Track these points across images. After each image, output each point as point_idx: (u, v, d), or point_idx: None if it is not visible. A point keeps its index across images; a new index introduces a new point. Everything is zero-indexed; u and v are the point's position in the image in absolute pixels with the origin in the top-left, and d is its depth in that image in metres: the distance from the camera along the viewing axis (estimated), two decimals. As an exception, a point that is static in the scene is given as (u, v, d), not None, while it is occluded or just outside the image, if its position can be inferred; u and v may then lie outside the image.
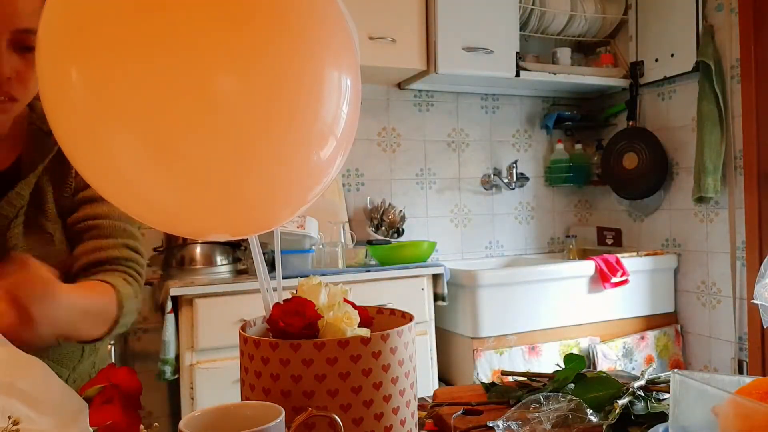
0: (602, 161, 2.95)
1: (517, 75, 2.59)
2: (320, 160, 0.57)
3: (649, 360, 2.58)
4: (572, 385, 0.89)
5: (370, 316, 0.74)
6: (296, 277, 1.79)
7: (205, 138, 0.49)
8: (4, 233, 0.84)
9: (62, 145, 0.54)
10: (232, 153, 0.51)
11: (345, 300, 0.72)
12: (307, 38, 0.53)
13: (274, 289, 0.75)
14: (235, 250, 2.18)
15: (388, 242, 2.43)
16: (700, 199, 2.49)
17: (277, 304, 0.70)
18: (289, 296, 0.73)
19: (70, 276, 0.90)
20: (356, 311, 0.70)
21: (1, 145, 0.88)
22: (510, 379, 1.00)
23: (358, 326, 0.69)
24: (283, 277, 0.79)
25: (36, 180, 0.88)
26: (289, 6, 0.53)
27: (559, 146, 3.03)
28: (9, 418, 0.45)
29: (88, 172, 0.55)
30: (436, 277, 2.26)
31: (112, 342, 1.53)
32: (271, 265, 1.68)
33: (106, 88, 0.48)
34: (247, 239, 0.70)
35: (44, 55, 0.51)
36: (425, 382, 2.18)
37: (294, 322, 0.66)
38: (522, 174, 2.98)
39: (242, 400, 0.68)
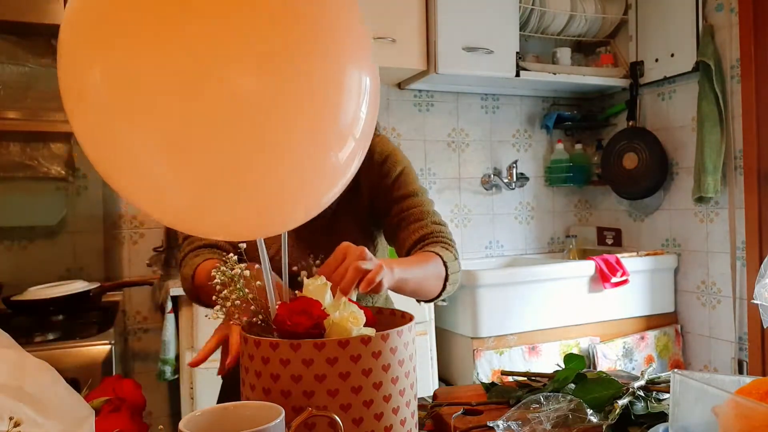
0: (602, 161, 2.95)
1: (517, 75, 2.59)
2: (338, 161, 0.57)
3: (649, 360, 2.58)
4: (572, 385, 0.89)
5: (374, 316, 0.74)
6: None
7: (222, 137, 0.49)
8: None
9: (80, 141, 0.54)
10: (248, 152, 0.51)
11: (349, 300, 0.72)
12: (326, 38, 0.53)
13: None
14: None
15: (388, 242, 2.43)
16: (700, 199, 2.49)
17: (283, 304, 0.70)
18: (295, 295, 0.73)
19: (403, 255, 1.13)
20: (362, 311, 0.70)
21: None
22: (510, 379, 1.00)
23: (364, 326, 0.69)
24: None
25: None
26: (309, 7, 0.52)
27: (559, 146, 3.03)
28: (10, 419, 0.45)
29: (105, 168, 0.55)
30: (436, 277, 2.26)
31: (112, 342, 1.53)
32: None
33: (125, 86, 0.48)
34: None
35: (66, 52, 0.51)
36: (425, 382, 2.18)
37: (301, 321, 0.66)
38: (522, 174, 2.98)
39: (242, 400, 0.68)
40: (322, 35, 0.52)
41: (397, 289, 0.97)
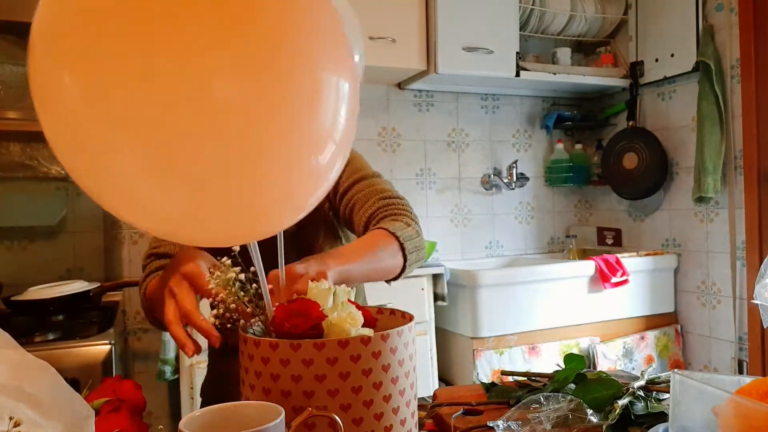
0: (602, 161, 2.95)
1: (517, 75, 2.59)
2: (319, 165, 0.57)
3: (649, 360, 2.58)
4: (572, 385, 0.89)
5: (373, 317, 0.74)
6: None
7: (203, 144, 0.49)
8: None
9: (57, 154, 0.53)
10: (230, 159, 0.51)
11: (348, 300, 0.72)
12: (304, 44, 0.53)
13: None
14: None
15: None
16: (700, 199, 2.49)
17: (281, 305, 0.70)
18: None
19: None
20: (360, 312, 0.70)
21: None
22: (510, 379, 1.00)
23: (362, 327, 0.69)
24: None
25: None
26: (287, 12, 0.53)
27: (559, 146, 3.03)
28: (10, 419, 0.45)
29: (85, 180, 0.54)
30: (436, 277, 2.26)
31: (112, 342, 1.53)
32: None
33: (102, 94, 0.47)
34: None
35: (37, 60, 0.50)
36: (425, 382, 2.18)
37: (299, 323, 0.66)
38: (522, 174, 2.98)
39: (242, 400, 0.68)
40: (300, 41, 0.52)
41: (346, 282, 0.91)
